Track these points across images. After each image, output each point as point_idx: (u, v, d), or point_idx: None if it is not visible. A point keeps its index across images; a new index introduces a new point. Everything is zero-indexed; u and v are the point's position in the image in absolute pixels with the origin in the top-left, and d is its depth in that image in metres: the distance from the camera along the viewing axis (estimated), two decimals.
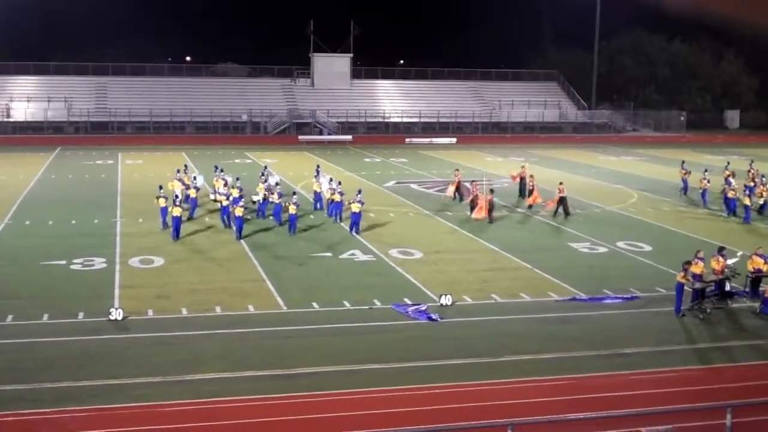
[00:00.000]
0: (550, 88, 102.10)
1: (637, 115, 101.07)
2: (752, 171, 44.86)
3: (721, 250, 25.13)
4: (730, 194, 39.39)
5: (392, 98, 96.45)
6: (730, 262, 24.88)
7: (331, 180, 39.05)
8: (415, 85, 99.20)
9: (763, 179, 41.57)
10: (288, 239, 32.58)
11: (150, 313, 22.49)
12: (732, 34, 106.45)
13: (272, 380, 17.72)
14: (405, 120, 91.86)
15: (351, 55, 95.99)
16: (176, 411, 16.14)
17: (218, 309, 22.94)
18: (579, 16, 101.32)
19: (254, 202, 37.45)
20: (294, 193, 35.06)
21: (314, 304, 23.53)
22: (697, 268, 23.69)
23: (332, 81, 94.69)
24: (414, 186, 47.99)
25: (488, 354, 19.64)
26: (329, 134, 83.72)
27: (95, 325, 21.27)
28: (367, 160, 61.45)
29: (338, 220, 36.07)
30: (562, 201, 38.34)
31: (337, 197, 36.30)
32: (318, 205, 38.87)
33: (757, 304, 23.98)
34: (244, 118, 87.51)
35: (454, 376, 18.15)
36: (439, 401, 16.76)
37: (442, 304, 23.49)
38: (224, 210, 35.30)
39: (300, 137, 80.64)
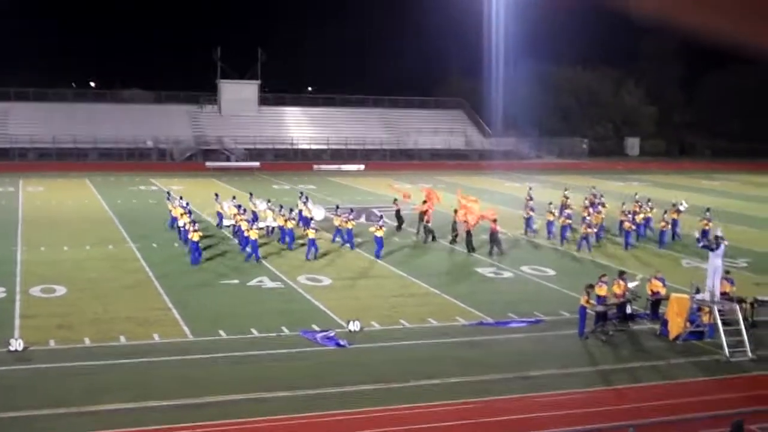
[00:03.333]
0: (456, 116, 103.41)
1: (540, 142, 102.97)
2: (589, 197, 45.37)
3: (621, 274, 25.79)
4: (554, 218, 40.03)
5: (300, 125, 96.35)
6: (630, 285, 25.56)
7: (337, 207, 39.22)
8: (323, 112, 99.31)
9: (598, 206, 42.33)
10: (193, 267, 32.20)
11: (52, 343, 21.94)
12: (631, 64, 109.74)
13: (179, 410, 17.45)
14: (313, 147, 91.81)
15: (258, 81, 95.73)
16: None
17: (122, 338, 22.50)
18: (484, 46, 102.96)
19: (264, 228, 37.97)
20: (312, 219, 35.40)
21: (221, 332, 23.28)
22: (601, 291, 24.29)
23: (240, 107, 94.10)
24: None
25: (396, 379, 19.71)
26: (237, 161, 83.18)
27: None
28: (275, 186, 61.23)
29: (352, 247, 36.35)
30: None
31: (350, 224, 36.60)
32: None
33: (657, 326, 24.64)
34: (150, 144, 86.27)
35: (362, 401, 18.16)
36: (348, 427, 16.75)
37: (350, 330, 23.51)
38: (242, 233, 35.13)
39: (207, 164, 79.89)
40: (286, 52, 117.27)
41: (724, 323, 22.88)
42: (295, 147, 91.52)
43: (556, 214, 40.17)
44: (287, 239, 36.24)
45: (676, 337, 23.58)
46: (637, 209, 41.77)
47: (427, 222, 38.93)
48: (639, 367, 21.48)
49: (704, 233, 38.48)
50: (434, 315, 25.77)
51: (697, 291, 24.06)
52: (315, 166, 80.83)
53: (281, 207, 38.78)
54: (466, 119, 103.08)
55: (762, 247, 39.72)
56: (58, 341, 22.10)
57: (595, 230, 38.40)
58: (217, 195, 43.80)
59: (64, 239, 37.52)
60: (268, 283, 29.68)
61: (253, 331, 23.49)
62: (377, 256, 34.58)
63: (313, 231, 34.60)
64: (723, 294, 24.21)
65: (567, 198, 44.54)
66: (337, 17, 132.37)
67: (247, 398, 18.21)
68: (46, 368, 19.96)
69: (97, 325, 23.79)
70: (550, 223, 40.15)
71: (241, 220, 35.65)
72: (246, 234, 34.08)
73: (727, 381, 20.57)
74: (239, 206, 38.18)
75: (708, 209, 41.35)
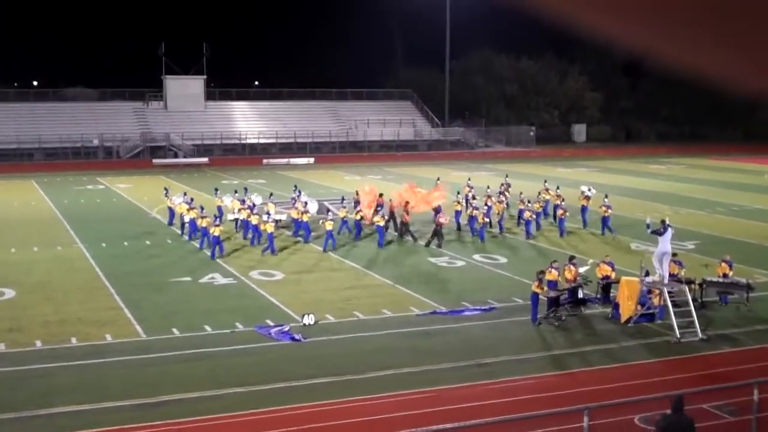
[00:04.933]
0: (405, 106, 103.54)
1: (488, 131, 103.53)
2: (503, 185, 45.14)
3: (571, 259, 26.10)
4: (461, 209, 39.38)
5: (248, 119, 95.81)
6: (581, 270, 25.84)
7: (343, 198, 39.06)
8: (271, 106, 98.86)
9: (500, 195, 41.74)
10: (145, 266, 31.94)
11: (2, 347, 21.59)
12: (575, 52, 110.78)
13: (133, 410, 17.28)
14: (262, 141, 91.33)
15: (204, 76, 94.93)
16: None
17: (74, 340, 22.22)
18: (430, 37, 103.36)
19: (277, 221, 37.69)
20: (328, 210, 35.51)
21: (174, 330, 23.10)
22: (552, 276, 24.52)
23: (186, 103, 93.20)
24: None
25: (352, 371, 19.72)
26: (184, 157, 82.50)
27: None
28: (224, 182, 60.80)
29: (358, 237, 37.11)
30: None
31: (358, 216, 37.00)
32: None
33: (608, 310, 24.94)
34: (96, 142, 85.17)
35: (318, 395, 18.13)
36: (304, 421, 16.72)
37: (305, 324, 23.45)
38: (253, 227, 35.38)
39: (154, 161, 79.16)
40: (231, 47, 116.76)
41: (674, 305, 23.21)
42: (243, 142, 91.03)
43: (463, 204, 40.03)
44: (302, 232, 36.68)
45: (628, 320, 23.87)
46: (546, 196, 42.05)
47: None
48: (592, 350, 21.73)
49: (604, 220, 38.40)
50: (388, 306, 25.82)
51: (647, 274, 24.39)
52: (264, 161, 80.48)
53: (294, 200, 38.82)
54: (414, 110, 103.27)
55: (709, 229, 40.35)
56: (9, 345, 21.76)
57: (488, 219, 37.72)
58: (216, 189, 43.74)
59: (11, 241, 36.93)
60: (221, 280, 29.50)
61: (207, 328, 23.34)
62: (380, 245, 35.42)
63: (331, 222, 34.90)
64: (672, 276, 24.59)
65: (470, 188, 44.09)
66: (281, 10, 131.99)
67: (202, 396, 18.09)
68: None
69: (48, 327, 23.48)
70: (457, 214, 39.49)
71: (250, 214, 35.74)
72: (262, 228, 34.47)
73: (678, 362, 20.90)
74: (243, 201, 38.38)
75: (606, 195, 40.54)
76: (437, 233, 36.00)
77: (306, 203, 38.48)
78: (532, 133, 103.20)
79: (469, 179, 47.66)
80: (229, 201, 40.24)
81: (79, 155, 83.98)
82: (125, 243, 36.37)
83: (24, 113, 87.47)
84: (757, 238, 38.15)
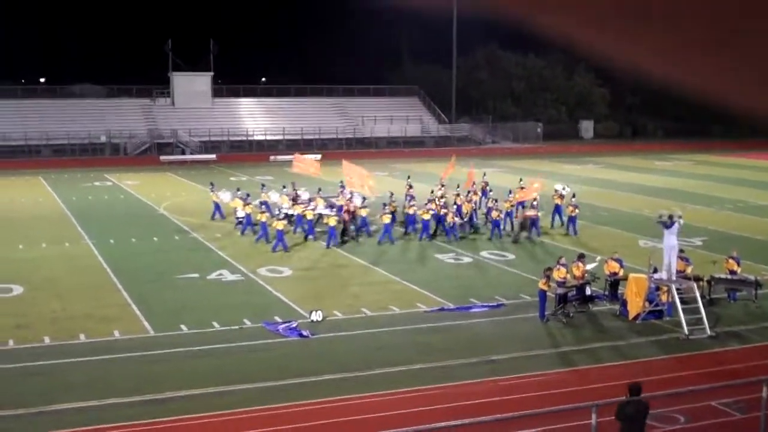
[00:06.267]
0: (412, 103, 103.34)
1: (495, 127, 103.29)
2: (481, 184, 44.54)
3: (581, 257, 26.05)
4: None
5: (255, 116, 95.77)
6: (589, 267, 25.81)
7: (392, 194, 38.63)
8: (278, 102, 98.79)
9: (470, 194, 40.43)
10: (153, 262, 31.98)
11: (11, 343, 21.63)
12: (581, 49, 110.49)
13: (141, 405, 17.31)
14: (269, 138, 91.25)
15: (212, 73, 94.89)
16: None
17: (82, 336, 22.26)
18: (437, 34, 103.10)
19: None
20: (384, 205, 36.07)
21: (182, 327, 23.13)
22: (559, 273, 24.47)
23: (193, 100, 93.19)
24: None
25: (360, 368, 19.72)
26: (192, 154, 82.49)
27: None
28: (232, 178, 60.85)
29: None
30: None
31: (412, 210, 37.35)
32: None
33: (616, 307, 24.90)
34: (103, 139, 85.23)
35: (326, 391, 18.15)
36: (312, 418, 16.72)
37: (312, 321, 23.46)
38: (309, 223, 36.20)
39: (162, 158, 79.10)
40: (238, 43, 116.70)
41: (682, 301, 23.20)
42: (250, 138, 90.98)
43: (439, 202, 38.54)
44: (357, 225, 37.11)
45: (636, 317, 23.83)
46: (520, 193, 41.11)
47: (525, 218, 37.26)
48: (600, 347, 21.70)
49: (571, 220, 37.83)
50: (395, 302, 25.82)
51: (655, 270, 24.35)
52: (271, 157, 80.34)
53: (351, 194, 38.62)
54: (421, 106, 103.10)
55: (716, 226, 40.27)
56: (17, 341, 21.81)
57: (458, 218, 36.96)
58: (263, 185, 44.07)
59: (19, 238, 36.96)
60: (229, 276, 29.52)
61: (215, 324, 23.36)
62: (380, 241, 35.41)
63: (389, 216, 35.35)
64: (679, 273, 24.53)
65: (410, 187, 43.10)
66: (288, 7, 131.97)
67: (209, 392, 18.11)
68: (4, 369, 19.69)
69: (56, 323, 23.52)
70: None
71: (304, 210, 36.42)
72: (324, 221, 35.56)
73: (686, 358, 20.87)
74: (296, 197, 38.70)
75: (573, 195, 39.56)
76: (524, 226, 36.27)
77: (363, 198, 38.58)
78: (539, 130, 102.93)
79: (409, 177, 46.97)
80: (276, 197, 39.98)
81: (87, 152, 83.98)
82: (133, 239, 36.41)
83: (31, 110, 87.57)
84: (764, 234, 38.08)
